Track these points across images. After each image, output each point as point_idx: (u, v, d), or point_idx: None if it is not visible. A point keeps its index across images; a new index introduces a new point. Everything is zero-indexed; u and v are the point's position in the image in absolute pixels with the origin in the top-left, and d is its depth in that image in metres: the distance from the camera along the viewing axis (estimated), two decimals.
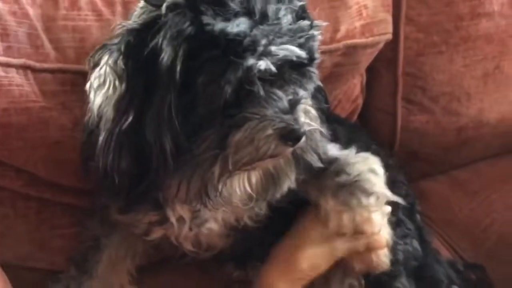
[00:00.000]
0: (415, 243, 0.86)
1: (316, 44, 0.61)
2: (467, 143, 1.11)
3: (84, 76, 0.75)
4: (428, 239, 0.93)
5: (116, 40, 0.60)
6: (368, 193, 0.69)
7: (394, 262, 0.80)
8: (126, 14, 0.79)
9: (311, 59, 0.60)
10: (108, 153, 0.57)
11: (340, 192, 0.68)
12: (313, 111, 0.63)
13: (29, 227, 0.83)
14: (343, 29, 0.89)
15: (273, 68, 0.55)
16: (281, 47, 0.56)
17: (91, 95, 0.59)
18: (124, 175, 0.58)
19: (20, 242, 0.82)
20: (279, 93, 0.57)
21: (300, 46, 0.57)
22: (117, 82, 0.56)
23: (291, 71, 0.58)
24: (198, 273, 0.87)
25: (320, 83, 0.69)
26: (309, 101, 0.62)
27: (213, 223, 0.71)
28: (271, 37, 0.55)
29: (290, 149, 0.60)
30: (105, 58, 0.59)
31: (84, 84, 0.75)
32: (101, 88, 0.58)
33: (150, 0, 0.58)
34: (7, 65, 0.73)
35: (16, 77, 0.73)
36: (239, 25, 0.54)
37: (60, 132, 0.76)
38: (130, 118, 0.55)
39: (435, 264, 0.90)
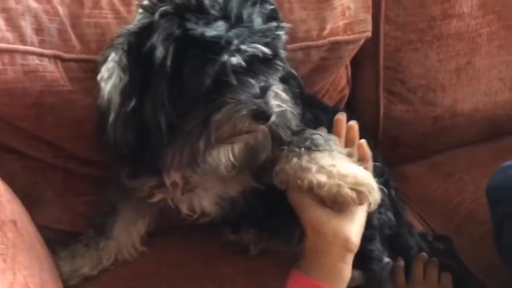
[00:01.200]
0: (390, 214, 0.94)
1: (280, 42, 0.71)
2: (444, 131, 1.19)
3: None
4: (402, 213, 1.01)
5: (120, 40, 0.71)
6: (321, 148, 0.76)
7: (369, 227, 0.86)
8: None
9: (275, 55, 0.70)
10: (117, 130, 0.69)
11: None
12: (284, 95, 0.73)
13: (56, 194, 0.93)
14: (328, 27, 0.98)
15: (243, 63, 0.66)
16: (250, 45, 0.66)
17: (102, 84, 0.70)
18: (129, 147, 0.70)
19: (48, 206, 0.92)
20: (252, 81, 0.68)
21: (266, 44, 0.68)
22: (121, 74, 0.68)
23: (260, 64, 0.69)
24: (199, 237, 0.97)
25: (294, 71, 0.80)
26: (280, 87, 0.73)
27: (201, 191, 0.82)
28: (242, 38, 0.66)
29: (262, 127, 0.71)
30: (112, 54, 0.70)
31: None
32: (109, 79, 0.69)
33: (147, 8, 0.70)
34: (42, 55, 0.83)
35: (48, 65, 0.83)
36: (216, 29, 0.65)
37: (84, 111, 0.86)
38: (133, 102, 0.67)
39: (407, 234, 0.99)
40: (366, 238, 0.86)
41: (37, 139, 0.88)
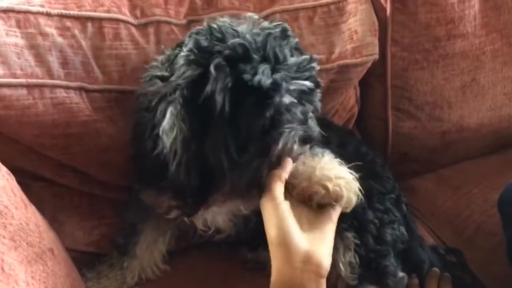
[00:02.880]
0: (402, 229, 0.97)
1: (316, 73, 0.77)
2: (451, 145, 1.22)
3: (124, 94, 0.92)
4: (413, 227, 1.04)
5: (170, 90, 0.74)
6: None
7: (383, 242, 0.93)
8: (158, 43, 0.95)
9: (318, 85, 0.77)
10: (180, 174, 0.73)
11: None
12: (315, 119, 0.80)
13: (82, 217, 0.97)
14: (337, 51, 1.02)
15: (295, 100, 0.73)
16: (296, 83, 0.73)
17: (164, 138, 0.73)
18: (193, 188, 0.75)
19: (75, 230, 0.96)
20: (296, 110, 0.74)
21: (307, 78, 0.74)
22: (182, 126, 0.72)
23: (306, 95, 0.75)
24: (218, 256, 1.01)
25: None
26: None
27: (216, 208, 0.86)
28: (287, 79, 0.72)
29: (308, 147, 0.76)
30: (170, 108, 0.73)
31: (125, 101, 0.93)
32: (171, 132, 0.73)
33: (193, 61, 0.73)
34: (68, 87, 0.87)
35: (74, 96, 0.87)
36: (265, 74, 0.70)
37: (108, 139, 0.90)
38: (193, 149, 0.72)
39: (419, 248, 1.01)
40: (381, 253, 0.92)
41: (64, 167, 0.92)
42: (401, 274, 0.95)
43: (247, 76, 0.70)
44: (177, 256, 1.01)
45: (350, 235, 0.92)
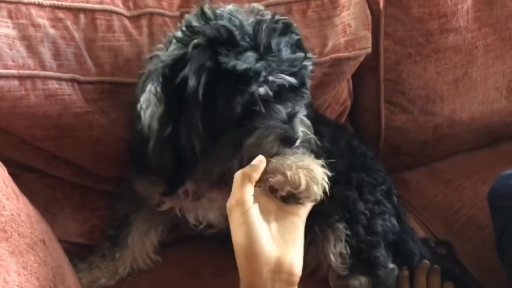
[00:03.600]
0: (393, 220, 0.98)
1: (307, 72, 0.75)
2: (443, 139, 1.23)
3: (117, 85, 0.92)
4: (404, 219, 1.05)
5: (153, 68, 0.75)
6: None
7: (374, 233, 0.93)
8: (151, 35, 0.94)
9: (302, 84, 0.74)
10: (156, 152, 0.74)
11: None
12: (307, 120, 0.78)
13: (74, 209, 0.97)
14: (330, 44, 1.02)
15: (270, 92, 0.70)
16: (277, 76, 0.70)
17: (141, 113, 0.75)
18: (167, 167, 0.75)
19: (67, 221, 0.96)
20: (280, 107, 0.72)
21: (293, 74, 0.72)
22: (158, 104, 0.72)
23: (287, 92, 0.73)
24: (210, 248, 0.99)
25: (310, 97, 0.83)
26: (304, 113, 0.77)
27: (207, 201, 0.87)
28: (269, 69, 0.70)
29: (288, 150, 0.74)
30: (149, 86, 0.75)
31: (118, 92, 0.93)
32: (148, 108, 0.74)
33: (180, 40, 0.74)
34: (60, 79, 0.87)
35: (66, 88, 0.87)
36: (246, 61, 0.69)
37: (100, 131, 0.90)
38: (169, 128, 0.72)
39: (410, 240, 1.02)
40: (372, 244, 0.93)
41: (56, 159, 0.93)
42: (391, 265, 0.95)
43: (223, 59, 0.69)
44: (169, 247, 1.02)
45: (341, 226, 0.93)
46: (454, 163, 1.26)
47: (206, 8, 0.76)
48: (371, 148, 1.11)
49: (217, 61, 0.69)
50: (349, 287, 0.94)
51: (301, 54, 0.75)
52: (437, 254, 1.05)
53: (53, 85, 0.87)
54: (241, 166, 0.71)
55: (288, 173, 0.68)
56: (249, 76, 0.69)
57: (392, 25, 1.10)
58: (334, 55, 1.03)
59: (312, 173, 0.70)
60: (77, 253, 0.95)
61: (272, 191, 0.69)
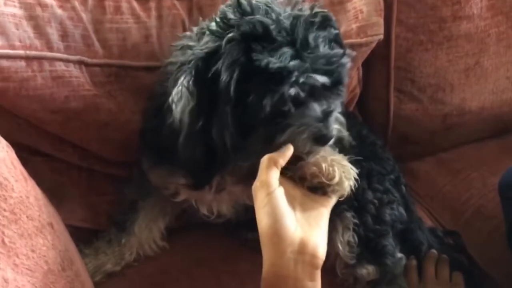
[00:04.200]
0: (401, 209, 0.98)
1: (345, 70, 0.72)
2: (452, 128, 1.22)
3: (124, 69, 0.91)
4: (412, 208, 1.05)
5: (184, 59, 0.73)
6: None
7: (382, 222, 0.93)
8: (160, 17, 0.93)
9: (338, 82, 0.72)
10: (187, 146, 0.72)
11: None
12: (342, 118, 0.76)
13: (81, 194, 0.97)
14: (341, 30, 0.99)
15: (302, 93, 0.68)
16: (309, 76, 0.68)
17: (173, 106, 0.73)
18: (197, 162, 0.73)
19: (73, 206, 0.95)
20: (314, 105, 0.71)
21: (329, 72, 0.70)
22: (190, 97, 0.71)
23: (322, 90, 0.71)
24: (217, 235, 1.00)
25: None
26: (340, 111, 0.75)
27: (226, 195, 0.86)
28: (303, 69, 0.67)
29: (322, 148, 0.73)
30: (181, 79, 0.72)
31: (125, 76, 0.92)
32: (179, 102, 0.72)
33: (215, 33, 0.72)
34: (68, 60, 0.85)
35: (74, 70, 0.86)
36: (280, 58, 0.67)
37: (108, 115, 0.89)
38: (200, 122, 0.70)
39: (418, 229, 1.02)
40: (380, 233, 0.93)
41: (63, 142, 0.92)
42: (399, 254, 0.96)
43: (257, 56, 0.67)
44: (176, 234, 1.01)
45: (349, 214, 0.93)
46: (463, 153, 1.26)
47: (244, 0, 0.74)
48: (379, 137, 1.10)
49: (250, 57, 0.68)
50: (357, 275, 0.93)
51: (339, 51, 0.73)
52: (445, 244, 1.05)
53: (60, 67, 0.85)
54: None
55: (323, 165, 0.69)
56: (282, 76, 0.67)
57: (405, 12, 1.09)
58: (346, 41, 0.99)
59: (345, 168, 0.71)
60: (83, 238, 0.95)
61: (301, 180, 0.69)
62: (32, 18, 0.84)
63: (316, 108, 0.71)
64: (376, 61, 1.14)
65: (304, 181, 0.70)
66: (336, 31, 0.76)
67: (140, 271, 0.96)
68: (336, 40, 0.75)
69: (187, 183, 0.81)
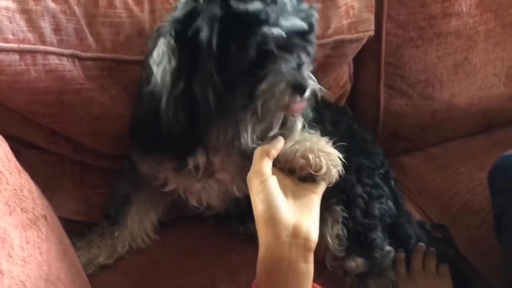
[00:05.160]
0: (390, 203, 0.99)
1: (314, 20, 0.76)
2: (441, 123, 1.23)
3: (117, 63, 0.91)
4: (401, 202, 1.06)
5: (167, 27, 0.74)
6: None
7: (371, 216, 0.94)
8: (153, 12, 0.93)
9: (311, 28, 0.75)
10: (169, 110, 0.72)
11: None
12: (313, 76, 0.77)
13: (74, 186, 0.97)
14: (333, 26, 1.02)
15: (283, 34, 0.70)
16: (288, 18, 0.71)
17: (154, 68, 0.73)
18: (180, 125, 0.73)
19: (66, 199, 0.95)
20: (288, 56, 0.73)
21: (302, 19, 0.73)
22: (171, 58, 0.72)
23: (297, 37, 0.73)
24: (208, 228, 1.01)
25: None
26: (310, 69, 0.77)
27: (214, 183, 0.87)
28: (281, 12, 0.71)
29: (299, 99, 0.73)
30: (161, 40, 0.74)
31: (118, 70, 0.92)
32: (161, 64, 0.73)
33: None
34: (61, 54, 0.85)
35: (67, 64, 0.86)
36: (255, 5, 0.70)
37: (101, 109, 0.89)
38: (183, 83, 0.71)
39: (407, 223, 1.03)
40: (369, 227, 0.94)
41: (56, 135, 0.92)
42: (388, 247, 0.96)
43: (234, 3, 0.69)
44: (168, 226, 1.02)
45: (338, 208, 0.94)
46: (451, 149, 1.27)
47: None
48: (369, 132, 1.11)
49: (228, 8, 0.69)
50: (346, 268, 0.94)
51: (306, 4, 0.75)
52: (433, 237, 1.06)
53: (53, 60, 0.85)
54: (255, 121, 0.73)
55: (310, 157, 0.70)
56: (261, 19, 0.69)
57: (396, 8, 1.10)
58: (337, 37, 1.02)
59: (331, 156, 0.72)
60: (75, 231, 0.95)
61: (291, 172, 0.71)
62: (25, 11, 0.84)
63: (291, 60, 0.73)
64: (367, 57, 1.16)
65: (293, 173, 0.71)
66: None
67: (133, 263, 0.96)
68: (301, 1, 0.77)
69: (174, 167, 0.82)
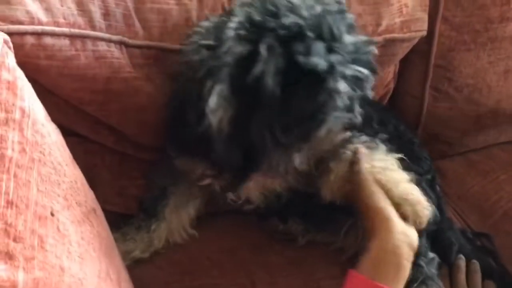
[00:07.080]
0: (435, 210, 0.93)
1: (373, 57, 0.75)
2: (483, 129, 1.21)
3: (163, 52, 0.88)
4: (444, 208, 1.04)
5: (217, 64, 0.70)
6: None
7: None
8: (200, 0, 0.90)
9: (373, 72, 0.74)
10: (225, 152, 0.73)
11: None
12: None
13: (112, 176, 0.95)
14: (384, 23, 0.98)
15: (349, 88, 0.70)
16: (352, 68, 0.70)
17: (210, 117, 0.70)
18: (235, 164, 0.75)
19: (104, 189, 0.93)
20: (345, 96, 0.71)
21: (364, 64, 0.72)
22: (227, 107, 0.70)
23: (359, 82, 0.72)
24: (246, 225, 0.99)
25: None
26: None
27: (251, 182, 0.84)
28: (344, 62, 0.69)
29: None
30: (216, 88, 0.70)
31: (164, 59, 0.89)
32: (216, 112, 0.70)
33: (243, 37, 0.70)
34: (109, 40, 0.82)
35: (115, 51, 0.83)
36: (318, 54, 0.67)
37: (146, 98, 0.87)
38: (238, 128, 0.71)
39: (449, 230, 1.01)
40: None
41: (100, 124, 0.89)
42: (431, 254, 0.94)
43: (301, 58, 0.67)
44: (205, 221, 1.00)
45: None
46: (492, 155, 1.25)
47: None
48: (416, 134, 1.09)
49: (290, 59, 0.67)
50: None
51: (364, 38, 0.74)
52: (475, 246, 1.04)
53: (102, 46, 0.82)
54: (308, 150, 0.75)
55: (410, 215, 0.77)
56: (327, 72, 0.68)
57: (452, 10, 1.06)
58: (388, 36, 0.99)
59: (421, 204, 0.78)
60: (111, 222, 0.88)
61: None
62: None
63: (345, 97, 0.71)
64: (415, 58, 1.12)
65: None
66: (351, 15, 0.76)
67: (169, 258, 0.94)
68: (352, 26, 0.75)
69: (212, 174, 0.82)
